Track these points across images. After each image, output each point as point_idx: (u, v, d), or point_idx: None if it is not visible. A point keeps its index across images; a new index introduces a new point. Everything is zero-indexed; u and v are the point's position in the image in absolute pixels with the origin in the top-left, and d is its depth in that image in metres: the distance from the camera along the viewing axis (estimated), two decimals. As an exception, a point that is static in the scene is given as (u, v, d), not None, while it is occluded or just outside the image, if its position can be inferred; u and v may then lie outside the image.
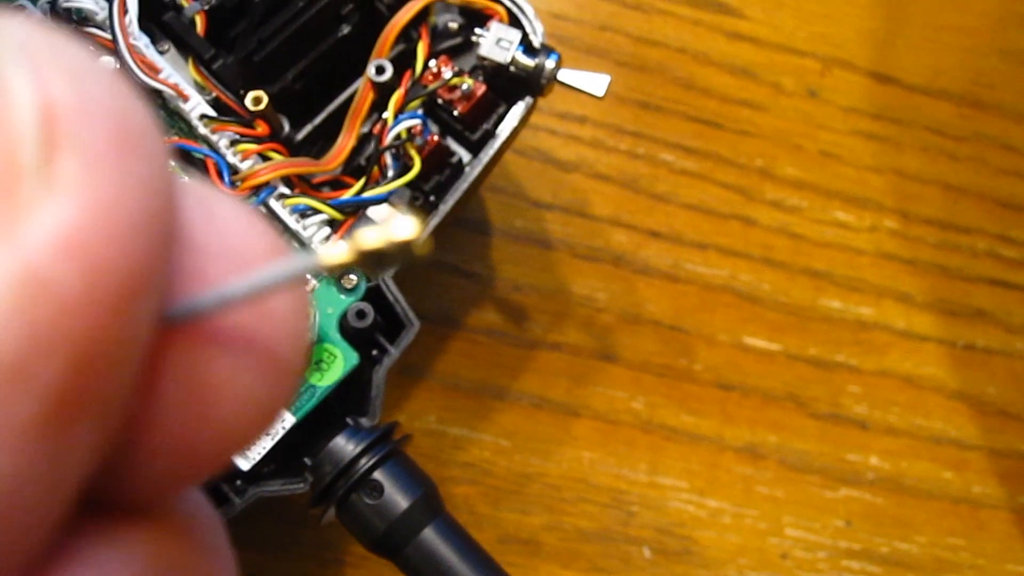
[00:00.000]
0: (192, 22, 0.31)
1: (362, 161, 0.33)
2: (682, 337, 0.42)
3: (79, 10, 0.31)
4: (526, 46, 0.32)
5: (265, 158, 0.30)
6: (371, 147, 0.32)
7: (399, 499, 0.29)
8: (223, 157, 0.30)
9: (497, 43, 0.32)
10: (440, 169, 0.33)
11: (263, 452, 0.29)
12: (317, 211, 0.30)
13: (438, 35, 0.33)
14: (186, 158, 0.30)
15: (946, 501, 0.42)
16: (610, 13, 0.44)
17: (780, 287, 0.43)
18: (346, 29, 0.33)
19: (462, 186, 0.32)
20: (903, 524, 0.42)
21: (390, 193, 0.31)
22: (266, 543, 0.37)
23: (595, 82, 0.32)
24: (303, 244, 0.30)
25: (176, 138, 0.30)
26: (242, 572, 0.13)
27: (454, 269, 0.41)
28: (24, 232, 0.08)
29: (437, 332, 0.40)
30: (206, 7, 0.31)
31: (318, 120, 0.33)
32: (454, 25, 0.33)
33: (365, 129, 0.32)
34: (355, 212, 0.31)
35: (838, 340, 0.43)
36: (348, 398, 0.31)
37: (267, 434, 0.29)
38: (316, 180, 0.32)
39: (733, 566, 0.40)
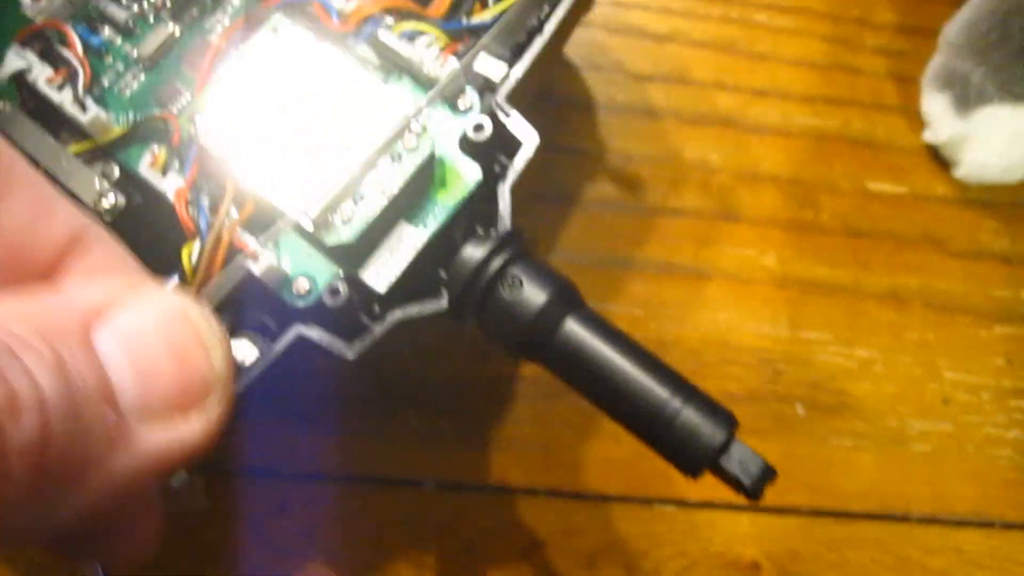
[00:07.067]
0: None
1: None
2: (803, 189, 0.41)
3: None
4: None
5: (369, -4, 0.31)
6: (472, -6, 0.33)
7: (540, 289, 0.28)
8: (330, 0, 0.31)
9: None
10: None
11: (398, 272, 0.29)
12: (424, 33, 0.31)
13: None
14: (300, 9, 0.31)
15: (1113, 329, 0.40)
16: None
17: (896, 131, 0.41)
18: None
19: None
20: (1070, 357, 0.39)
21: (495, 19, 0.32)
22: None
23: None
24: (414, 68, 0.30)
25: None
26: None
27: (565, 148, 0.41)
28: None
29: (557, 210, 0.40)
30: None
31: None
32: None
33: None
34: (461, 37, 0.32)
35: (967, 176, 0.41)
36: (473, 224, 0.31)
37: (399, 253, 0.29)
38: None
39: (893, 415, 0.38)
